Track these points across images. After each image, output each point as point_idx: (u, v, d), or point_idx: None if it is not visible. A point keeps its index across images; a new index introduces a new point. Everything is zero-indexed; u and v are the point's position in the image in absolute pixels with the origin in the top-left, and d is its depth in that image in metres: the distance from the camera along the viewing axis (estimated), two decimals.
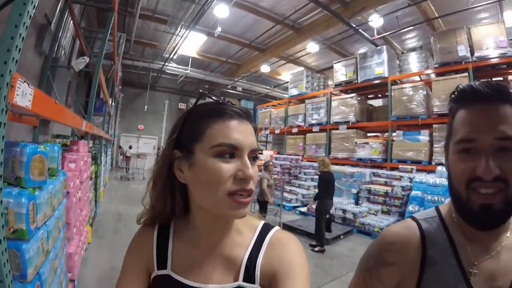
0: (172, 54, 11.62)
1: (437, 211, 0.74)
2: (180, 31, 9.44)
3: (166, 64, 13.07)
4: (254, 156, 0.62)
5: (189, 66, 13.77)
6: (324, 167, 5.18)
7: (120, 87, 13.04)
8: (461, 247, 0.67)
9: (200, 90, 0.72)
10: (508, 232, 0.67)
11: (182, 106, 17.07)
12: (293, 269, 0.61)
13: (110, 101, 8.92)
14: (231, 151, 0.58)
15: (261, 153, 12.58)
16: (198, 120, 0.62)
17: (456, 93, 0.68)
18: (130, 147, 14.15)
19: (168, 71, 14.21)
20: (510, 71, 7.16)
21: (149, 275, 0.68)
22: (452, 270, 0.65)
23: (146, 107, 16.18)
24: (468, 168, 0.60)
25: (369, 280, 0.73)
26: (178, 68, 13.94)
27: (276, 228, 0.69)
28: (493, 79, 7.63)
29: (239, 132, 0.59)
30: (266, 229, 0.69)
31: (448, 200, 0.73)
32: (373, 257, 0.74)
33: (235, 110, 0.62)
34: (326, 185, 5.13)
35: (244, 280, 0.62)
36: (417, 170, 7.16)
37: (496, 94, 0.61)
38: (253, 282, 0.62)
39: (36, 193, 1.46)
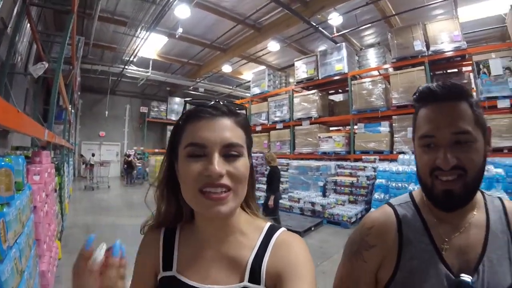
0: (132, 56, 11.27)
1: (411, 197, 0.84)
2: (140, 32, 9.18)
3: (126, 67, 12.63)
4: (230, 151, 0.60)
5: (150, 69, 13.40)
6: (274, 162, 5.30)
7: (79, 93, 12.42)
8: (432, 227, 0.76)
9: (184, 99, 0.72)
10: (475, 210, 0.76)
11: (144, 109, 16.59)
12: (299, 270, 0.61)
13: (70, 108, 8.48)
14: (199, 150, 0.59)
15: None
16: (179, 125, 0.65)
17: (416, 94, 0.76)
18: (93, 155, 13.50)
19: (128, 74, 13.75)
20: (464, 63, 7.66)
21: (156, 276, 0.69)
22: (427, 247, 0.74)
23: (107, 112, 15.50)
24: (430, 160, 0.70)
25: (355, 262, 0.81)
26: (139, 71, 13.55)
27: (282, 229, 0.69)
28: (448, 71, 8.23)
29: (208, 129, 0.60)
30: (272, 230, 0.69)
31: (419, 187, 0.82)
32: (356, 242, 0.83)
33: (208, 110, 0.62)
34: (278, 179, 5.29)
35: (249, 281, 0.62)
36: (380, 160, 7.52)
37: (451, 93, 0.70)
38: (259, 283, 0.62)
39: (5, 209, 1.37)
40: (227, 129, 0.61)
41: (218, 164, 0.57)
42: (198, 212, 0.66)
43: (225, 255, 0.66)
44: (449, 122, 0.68)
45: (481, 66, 6.54)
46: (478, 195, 0.78)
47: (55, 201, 4.16)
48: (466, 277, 0.69)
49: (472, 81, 7.34)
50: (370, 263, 0.79)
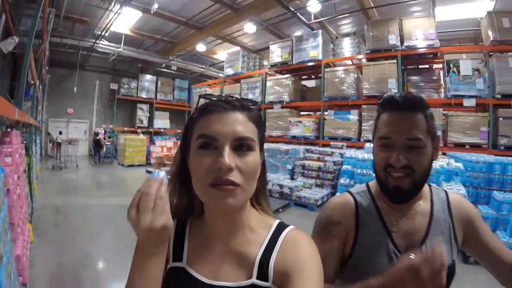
0: (104, 31, 10.76)
1: (367, 186, 0.99)
2: (114, 6, 8.78)
3: (98, 41, 12.03)
4: (242, 144, 0.60)
5: (122, 44, 12.84)
6: None
7: (47, 67, 11.74)
8: (384, 213, 0.91)
9: (199, 94, 0.71)
10: (421, 201, 0.92)
11: (114, 86, 15.86)
12: (306, 268, 0.61)
13: (38, 84, 8.03)
14: (210, 142, 0.59)
15: None
16: (193, 119, 0.65)
17: (382, 100, 0.89)
18: (60, 133, 12.88)
19: (99, 49, 13.08)
20: (435, 60, 8.02)
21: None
22: (379, 230, 0.89)
23: (75, 88, 14.65)
24: (385, 158, 0.84)
25: (325, 237, 0.91)
26: (110, 46, 12.91)
27: (291, 227, 0.69)
28: (420, 66, 8.53)
29: (219, 122, 0.60)
30: (281, 228, 0.69)
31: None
32: (324, 221, 0.94)
33: (221, 104, 0.62)
34: None
35: (257, 278, 0.62)
36: (347, 147, 7.76)
37: (411, 104, 0.83)
38: (267, 280, 0.62)
39: None
40: (238, 123, 0.61)
41: (228, 157, 0.57)
42: (208, 206, 0.67)
43: (234, 250, 0.66)
44: (405, 129, 0.81)
45: (451, 65, 6.85)
46: (426, 187, 0.93)
47: (25, 182, 3.98)
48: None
49: (442, 78, 7.68)
50: (338, 237, 0.91)
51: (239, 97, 0.66)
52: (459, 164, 5.01)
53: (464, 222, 0.93)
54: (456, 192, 4.10)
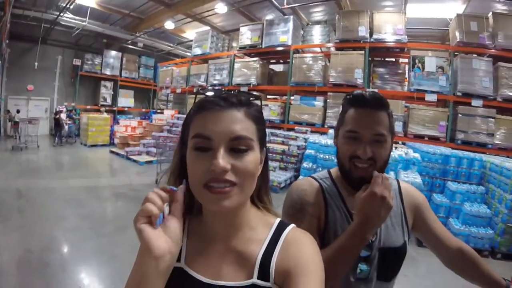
0: (69, 3, 10.15)
1: (329, 173, 1.07)
2: None
3: (61, 14, 11.32)
4: (238, 145, 0.58)
5: (87, 18, 12.18)
6: None
7: (7, 41, 10.94)
8: (346, 198, 1.00)
9: (195, 89, 0.68)
10: None
11: (77, 62, 15.03)
12: (308, 267, 0.60)
13: None
14: (205, 142, 0.58)
15: (162, 113, 12.19)
16: (190, 116, 0.63)
17: (352, 96, 0.97)
18: (18, 111, 12.10)
19: (63, 23, 12.37)
20: (402, 55, 8.34)
21: None
22: (343, 212, 0.98)
23: (36, 64, 13.78)
24: (352, 149, 0.91)
25: (303, 218, 0.96)
26: (75, 19, 12.23)
27: (292, 225, 0.68)
28: (386, 59, 8.79)
29: (215, 122, 0.58)
30: (281, 226, 0.68)
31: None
32: (298, 202, 0.98)
33: (217, 102, 0.60)
34: None
35: (258, 278, 0.61)
36: (311, 132, 7.94)
37: (378, 103, 0.91)
38: (267, 280, 0.61)
39: None
40: (235, 121, 0.59)
41: (222, 159, 0.55)
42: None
43: (233, 250, 0.65)
44: (372, 125, 0.90)
45: (417, 61, 7.17)
46: None
47: None
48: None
49: (406, 72, 8.01)
50: (315, 216, 0.97)
51: (237, 91, 0.65)
52: (417, 155, 5.25)
53: (414, 208, 1.06)
54: (407, 181, 4.34)
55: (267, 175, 0.72)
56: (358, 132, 0.91)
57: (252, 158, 0.59)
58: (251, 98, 0.65)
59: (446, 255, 1.04)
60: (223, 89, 0.66)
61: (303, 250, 0.63)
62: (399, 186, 1.08)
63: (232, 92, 0.64)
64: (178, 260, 0.64)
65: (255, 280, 0.61)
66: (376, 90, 7.43)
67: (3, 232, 3.79)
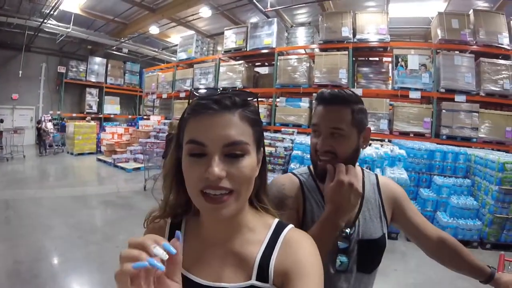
0: (53, 9, 10.02)
1: (309, 169, 1.10)
2: None
3: (45, 21, 11.19)
4: (233, 150, 0.56)
5: (71, 24, 12.08)
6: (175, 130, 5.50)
7: None
8: (323, 191, 0.98)
9: (191, 88, 0.62)
10: None
11: (62, 69, 14.85)
12: (307, 269, 0.59)
13: None
14: (200, 148, 0.56)
15: (148, 119, 12.11)
16: (184, 118, 0.61)
17: (317, 94, 1.02)
18: (1, 121, 11.90)
19: (47, 30, 12.25)
20: (385, 54, 8.41)
21: None
22: (320, 205, 1.01)
23: (20, 72, 13.54)
24: (315, 142, 0.97)
25: (282, 210, 0.91)
26: (59, 26, 12.12)
27: (291, 226, 0.68)
28: (370, 59, 8.88)
29: (209, 127, 0.56)
30: (280, 227, 0.67)
31: None
32: (277, 196, 0.99)
33: (210, 105, 0.57)
34: None
35: (257, 279, 0.60)
36: (298, 133, 7.87)
37: (336, 99, 0.96)
38: (266, 281, 0.60)
39: None
40: (230, 126, 0.56)
41: (217, 166, 0.54)
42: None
43: (232, 251, 0.64)
44: (330, 119, 0.94)
45: (400, 59, 7.20)
46: (358, 170, 1.05)
47: None
48: (346, 229, 0.96)
49: (390, 71, 8.04)
50: (293, 209, 1.00)
51: (231, 89, 0.62)
52: (402, 151, 5.28)
53: (392, 201, 1.08)
54: (393, 178, 4.39)
55: (265, 175, 0.71)
56: (317, 125, 0.97)
57: (248, 163, 0.58)
58: (247, 98, 0.63)
59: (427, 245, 1.07)
60: (218, 88, 0.63)
61: (301, 251, 0.62)
62: (377, 180, 1.10)
63: (227, 92, 0.61)
64: None
65: (253, 281, 0.60)
66: (360, 90, 7.54)
67: None
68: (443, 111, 6.78)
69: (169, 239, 0.62)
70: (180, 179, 0.65)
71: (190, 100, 0.65)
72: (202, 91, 0.64)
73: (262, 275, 0.61)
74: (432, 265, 1.32)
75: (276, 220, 0.70)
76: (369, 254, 1.00)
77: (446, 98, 6.83)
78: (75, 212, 5.24)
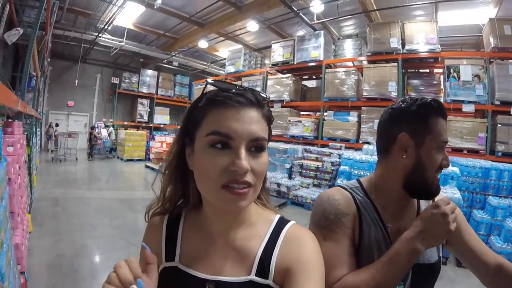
0: (107, 24, 10.77)
1: (359, 183, 0.99)
2: (117, 0, 8.78)
3: (100, 35, 12.06)
4: (257, 146, 0.57)
5: (124, 38, 12.90)
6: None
7: (49, 59, 11.77)
8: (380, 210, 0.93)
9: (206, 79, 0.67)
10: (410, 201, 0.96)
11: (115, 80, 15.86)
12: (309, 265, 0.59)
13: (40, 76, 8.05)
14: (225, 141, 0.55)
15: None
16: (200, 108, 0.60)
17: (438, 105, 0.93)
18: (57, 125, 12.95)
19: (101, 43, 13.18)
20: (436, 65, 8.02)
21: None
22: (378, 225, 0.91)
23: (76, 81, 14.73)
24: (440, 158, 0.87)
25: (338, 229, 0.89)
26: (112, 40, 13.00)
27: (292, 222, 0.67)
28: (420, 70, 8.54)
29: (236, 120, 0.56)
30: (281, 222, 0.67)
31: (368, 175, 1.01)
32: (331, 212, 0.91)
33: (236, 98, 0.57)
34: None
35: (257, 274, 0.60)
36: (346, 148, 7.75)
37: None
38: (266, 277, 0.60)
39: None
40: (254, 122, 0.57)
41: (245, 159, 0.54)
42: (212, 204, 0.62)
43: (232, 245, 0.64)
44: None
45: (451, 70, 6.84)
46: None
47: (25, 173, 4.06)
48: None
49: (442, 83, 7.69)
50: (350, 228, 0.90)
51: (245, 87, 0.61)
52: (455, 169, 5.00)
53: None
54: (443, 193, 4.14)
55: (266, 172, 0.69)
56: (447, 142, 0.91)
57: (266, 159, 0.59)
58: (262, 97, 0.63)
59: (485, 272, 0.93)
60: (237, 85, 0.61)
61: (303, 247, 0.62)
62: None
63: (244, 88, 0.61)
64: (173, 259, 0.65)
65: (253, 276, 0.60)
66: None
67: (37, 236, 3.93)
68: (499, 125, 6.29)
69: (166, 235, 0.68)
70: (181, 172, 0.66)
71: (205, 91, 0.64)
72: (219, 83, 0.62)
73: (262, 270, 0.60)
74: None
75: (278, 215, 0.69)
76: (424, 280, 0.91)
77: (502, 111, 6.35)
78: (120, 214, 5.39)
